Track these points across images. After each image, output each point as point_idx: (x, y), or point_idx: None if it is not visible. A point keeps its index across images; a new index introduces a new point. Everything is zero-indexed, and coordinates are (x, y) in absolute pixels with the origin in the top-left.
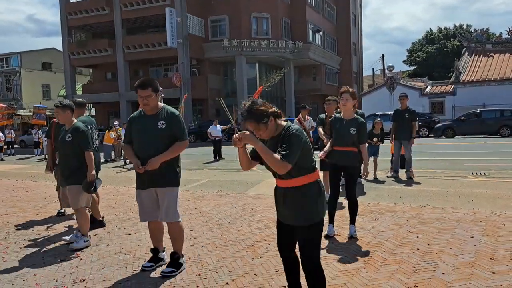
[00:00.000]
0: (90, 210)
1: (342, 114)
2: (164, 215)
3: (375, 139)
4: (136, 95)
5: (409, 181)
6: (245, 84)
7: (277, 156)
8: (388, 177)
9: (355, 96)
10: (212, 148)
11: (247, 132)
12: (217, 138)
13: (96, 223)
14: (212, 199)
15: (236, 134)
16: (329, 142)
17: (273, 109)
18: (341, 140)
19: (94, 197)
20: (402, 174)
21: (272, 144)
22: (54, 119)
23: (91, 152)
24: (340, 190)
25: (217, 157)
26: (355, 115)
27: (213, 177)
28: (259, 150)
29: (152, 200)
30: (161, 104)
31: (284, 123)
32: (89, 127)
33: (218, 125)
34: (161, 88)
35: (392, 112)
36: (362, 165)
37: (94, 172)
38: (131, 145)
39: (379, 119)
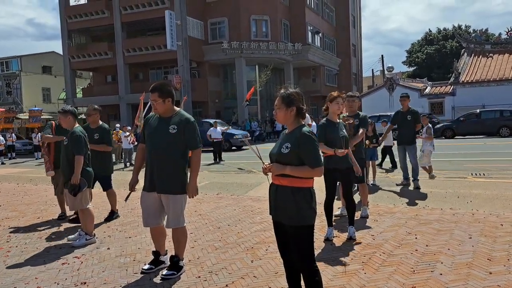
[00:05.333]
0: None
1: (328, 117)
2: (169, 222)
3: (367, 141)
4: (136, 97)
5: (408, 183)
6: (245, 86)
7: (306, 168)
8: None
9: None
10: (212, 150)
11: (273, 164)
12: (216, 140)
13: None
14: (212, 201)
15: (265, 166)
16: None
17: (302, 106)
18: (339, 143)
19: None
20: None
21: (286, 139)
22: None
23: (81, 157)
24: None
25: (217, 159)
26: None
27: (213, 179)
28: (290, 173)
29: (157, 205)
30: (177, 109)
31: (302, 122)
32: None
33: (218, 127)
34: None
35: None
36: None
37: (79, 176)
38: (143, 147)
39: (369, 120)
